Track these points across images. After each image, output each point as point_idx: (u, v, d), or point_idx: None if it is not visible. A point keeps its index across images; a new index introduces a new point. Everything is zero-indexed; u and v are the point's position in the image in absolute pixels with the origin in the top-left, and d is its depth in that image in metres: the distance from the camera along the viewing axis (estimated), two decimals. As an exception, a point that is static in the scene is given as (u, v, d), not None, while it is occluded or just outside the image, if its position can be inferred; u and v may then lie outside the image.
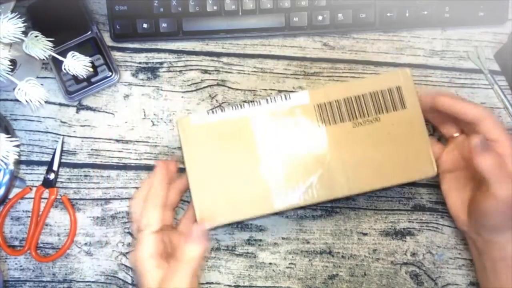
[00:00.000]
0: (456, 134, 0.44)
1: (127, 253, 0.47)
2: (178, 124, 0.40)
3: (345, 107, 0.40)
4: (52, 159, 0.48)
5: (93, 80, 0.48)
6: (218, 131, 0.40)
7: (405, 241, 0.48)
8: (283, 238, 0.48)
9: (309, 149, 0.40)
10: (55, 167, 0.48)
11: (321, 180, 0.40)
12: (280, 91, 0.50)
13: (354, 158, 0.40)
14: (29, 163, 0.49)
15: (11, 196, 0.48)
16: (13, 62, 0.45)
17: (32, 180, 0.48)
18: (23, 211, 0.48)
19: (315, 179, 0.40)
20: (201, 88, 0.50)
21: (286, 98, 0.40)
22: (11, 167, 0.47)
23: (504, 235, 0.39)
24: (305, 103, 0.40)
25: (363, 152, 0.40)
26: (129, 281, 0.47)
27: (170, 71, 0.50)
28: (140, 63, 0.50)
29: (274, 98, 0.40)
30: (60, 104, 0.50)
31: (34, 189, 0.48)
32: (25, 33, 0.40)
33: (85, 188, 0.48)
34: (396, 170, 0.40)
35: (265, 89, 0.50)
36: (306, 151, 0.40)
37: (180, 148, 0.47)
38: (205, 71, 0.50)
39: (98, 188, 0.48)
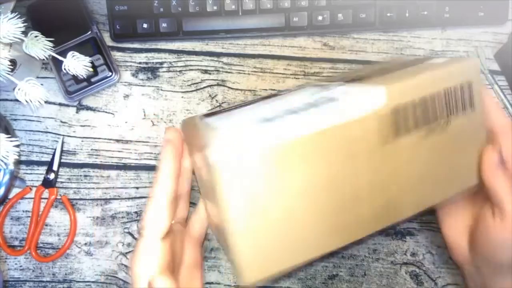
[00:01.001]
0: None
1: (127, 253, 0.47)
2: (216, 163, 0.27)
3: (421, 109, 0.31)
4: (52, 159, 0.48)
5: (93, 80, 0.48)
6: (263, 158, 0.28)
7: (405, 241, 0.48)
8: (283, 238, 0.48)
9: (376, 171, 0.31)
10: (55, 167, 0.48)
11: (387, 204, 0.32)
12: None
13: (421, 172, 0.32)
14: (29, 163, 0.49)
15: (11, 196, 0.48)
16: (13, 62, 0.45)
17: (32, 180, 0.48)
18: (23, 211, 0.48)
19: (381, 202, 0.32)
20: (201, 88, 0.50)
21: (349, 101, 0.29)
22: (11, 167, 0.47)
23: (509, 278, 0.33)
24: (379, 106, 0.29)
25: (430, 165, 0.32)
26: (129, 281, 0.47)
27: (170, 71, 0.50)
28: (140, 63, 0.50)
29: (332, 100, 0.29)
30: (60, 104, 0.50)
31: (34, 189, 0.48)
32: (25, 33, 0.40)
33: (85, 188, 0.48)
34: (448, 183, 0.34)
35: (265, 89, 0.50)
36: (374, 174, 0.31)
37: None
38: (205, 71, 0.50)
39: (98, 188, 0.48)
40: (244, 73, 0.50)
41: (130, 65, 0.50)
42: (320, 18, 0.49)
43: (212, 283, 0.47)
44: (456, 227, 0.37)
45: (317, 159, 0.29)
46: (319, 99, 0.31)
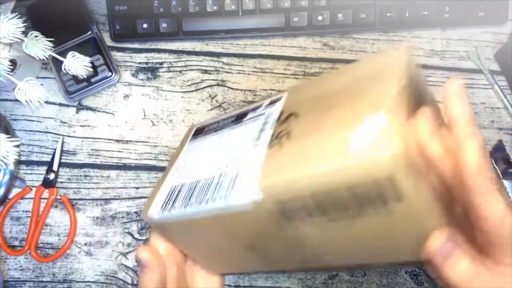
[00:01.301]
0: None
1: (127, 253, 0.47)
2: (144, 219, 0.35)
3: (313, 203, 0.26)
4: (52, 159, 0.48)
5: (93, 80, 0.48)
6: (183, 226, 0.33)
7: (405, 241, 0.48)
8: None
9: (280, 242, 0.30)
10: (55, 167, 0.48)
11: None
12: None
13: (338, 246, 0.29)
14: (29, 163, 0.49)
15: (11, 196, 0.48)
16: (13, 62, 0.45)
17: (32, 180, 0.48)
18: (23, 211, 0.48)
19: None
20: (201, 88, 0.50)
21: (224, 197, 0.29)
22: (11, 167, 0.46)
23: None
24: (260, 200, 0.27)
25: (348, 241, 0.28)
26: (129, 281, 0.47)
27: (170, 71, 0.50)
28: (140, 63, 0.50)
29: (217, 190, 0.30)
30: (60, 104, 0.50)
31: (34, 189, 0.48)
32: (25, 33, 0.40)
33: (85, 188, 0.48)
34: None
35: (265, 89, 0.50)
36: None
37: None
38: (205, 71, 0.50)
39: (98, 188, 0.48)
40: (244, 73, 0.50)
41: (130, 65, 0.50)
42: (320, 18, 0.49)
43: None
44: None
45: (215, 232, 0.32)
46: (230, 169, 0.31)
